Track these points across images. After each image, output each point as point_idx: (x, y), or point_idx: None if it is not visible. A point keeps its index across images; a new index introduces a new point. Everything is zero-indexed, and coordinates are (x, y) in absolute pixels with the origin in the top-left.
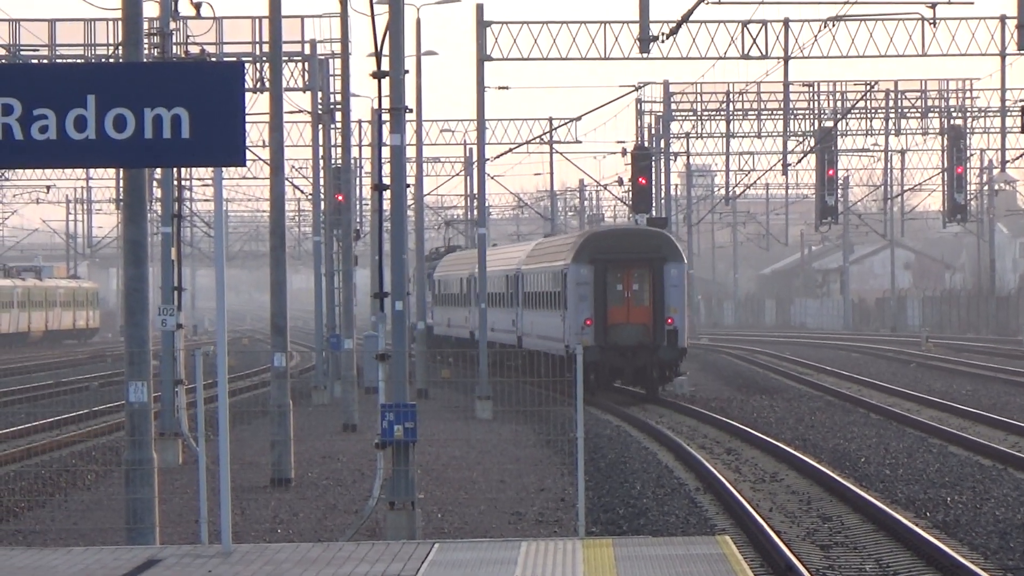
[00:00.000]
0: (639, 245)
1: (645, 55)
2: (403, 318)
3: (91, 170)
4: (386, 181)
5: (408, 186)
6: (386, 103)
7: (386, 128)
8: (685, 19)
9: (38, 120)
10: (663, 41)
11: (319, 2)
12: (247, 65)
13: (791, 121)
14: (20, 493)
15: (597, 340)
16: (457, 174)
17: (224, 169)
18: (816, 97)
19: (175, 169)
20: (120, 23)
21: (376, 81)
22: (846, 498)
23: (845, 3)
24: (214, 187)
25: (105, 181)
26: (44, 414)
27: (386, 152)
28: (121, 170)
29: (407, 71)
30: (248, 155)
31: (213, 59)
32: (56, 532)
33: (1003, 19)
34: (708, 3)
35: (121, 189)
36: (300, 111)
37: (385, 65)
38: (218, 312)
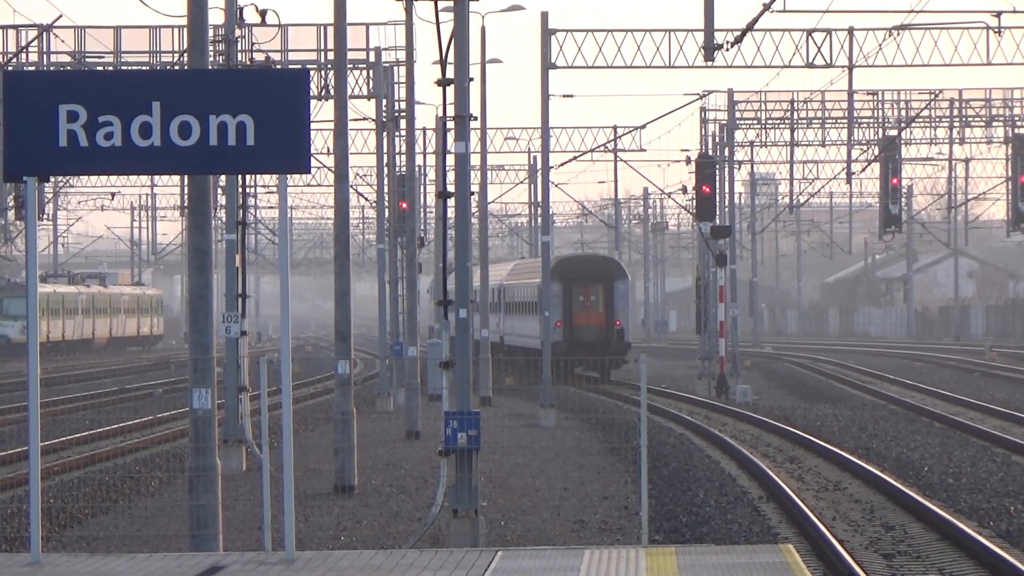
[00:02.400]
0: (595, 268)
1: (710, 63)
2: (467, 326)
3: (156, 177)
4: (450, 188)
5: (472, 194)
6: (451, 111)
7: (451, 136)
8: (750, 27)
9: (103, 127)
10: (728, 49)
11: (384, 10)
12: (312, 72)
13: (855, 130)
14: (84, 499)
15: (565, 337)
16: (521, 182)
17: (289, 176)
18: (880, 106)
19: (239, 176)
20: (185, 30)
21: (441, 89)
22: (909, 507)
23: (910, 12)
24: (279, 194)
25: (169, 188)
26: (108, 420)
27: (450, 160)
28: (186, 177)
29: (472, 79)
30: (313, 162)
31: (278, 66)
32: (120, 538)
33: None
34: (773, 11)
35: (185, 196)
36: (365, 118)
37: (450, 73)
38: (282, 319)
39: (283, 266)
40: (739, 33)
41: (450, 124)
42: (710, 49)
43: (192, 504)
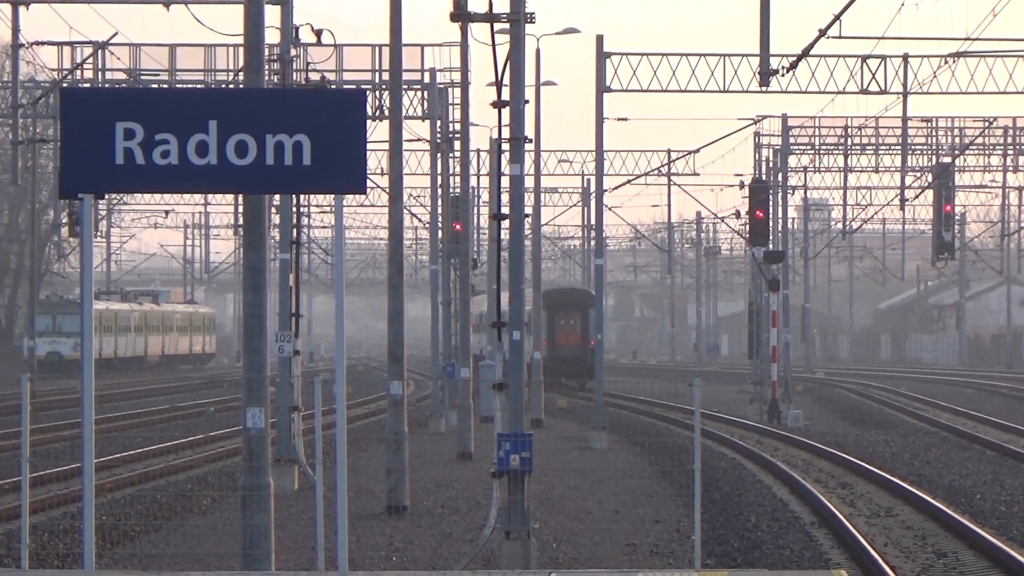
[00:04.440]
0: (574, 298)
1: (764, 88)
2: (520, 348)
3: (209, 195)
4: (504, 210)
5: (526, 216)
6: (505, 132)
7: (505, 157)
8: (805, 53)
9: (160, 145)
10: (783, 75)
11: (439, 31)
12: (367, 93)
13: (909, 156)
14: (136, 517)
15: (549, 353)
16: (575, 205)
17: (344, 196)
18: (934, 133)
19: (294, 196)
20: (240, 49)
21: (496, 110)
22: (961, 534)
23: (965, 40)
24: (335, 214)
25: (223, 207)
26: (160, 439)
27: (505, 181)
28: (240, 196)
29: (527, 101)
30: (367, 183)
31: (333, 86)
32: (172, 556)
33: None
34: (828, 37)
35: (239, 215)
36: (419, 139)
37: (505, 95)
38: (337, 339)
39: (338, 286)
40: (794, 59)
41: (505, 146)
42: (765, 74)
43: (245, 523)
